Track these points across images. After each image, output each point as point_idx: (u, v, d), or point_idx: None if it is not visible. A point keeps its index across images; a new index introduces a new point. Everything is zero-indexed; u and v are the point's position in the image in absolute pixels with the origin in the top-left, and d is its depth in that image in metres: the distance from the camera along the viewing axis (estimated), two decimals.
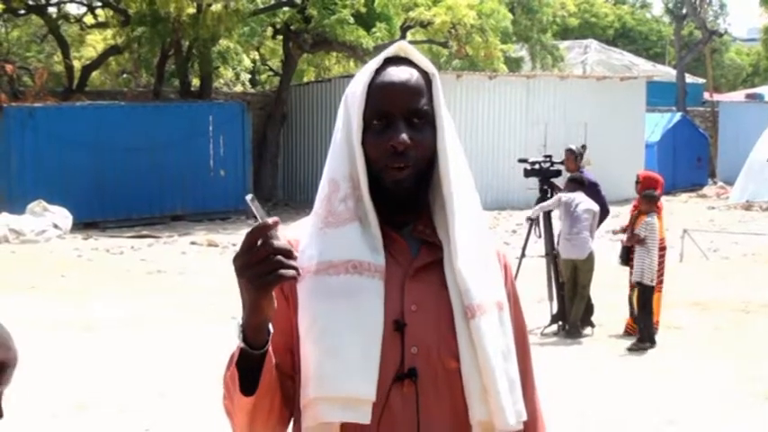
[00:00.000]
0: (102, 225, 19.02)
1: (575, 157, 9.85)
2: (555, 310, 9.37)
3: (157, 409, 6.70)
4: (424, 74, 1.78)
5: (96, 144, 19.15)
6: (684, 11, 38.46)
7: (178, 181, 20.18)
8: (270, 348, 1.64)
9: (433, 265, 1.75)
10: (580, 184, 9.38)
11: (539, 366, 6.75)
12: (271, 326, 1.63)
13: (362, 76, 1.76)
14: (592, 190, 9.47)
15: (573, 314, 9.20)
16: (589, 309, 9.37)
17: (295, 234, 1.78)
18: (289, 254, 1.55)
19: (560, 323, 9.30)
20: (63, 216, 17.57)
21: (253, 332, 1.61)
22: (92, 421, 6.45)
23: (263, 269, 1.53)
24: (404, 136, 1.70)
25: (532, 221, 9.70)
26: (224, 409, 1.74)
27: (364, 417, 1.66)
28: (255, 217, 1.57)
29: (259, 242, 1.54)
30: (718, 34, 40.62)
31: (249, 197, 1.61)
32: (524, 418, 1.79)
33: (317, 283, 1.69)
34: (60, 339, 8.87)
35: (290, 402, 1.74)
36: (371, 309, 1.68)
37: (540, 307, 9.92)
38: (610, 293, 9.70)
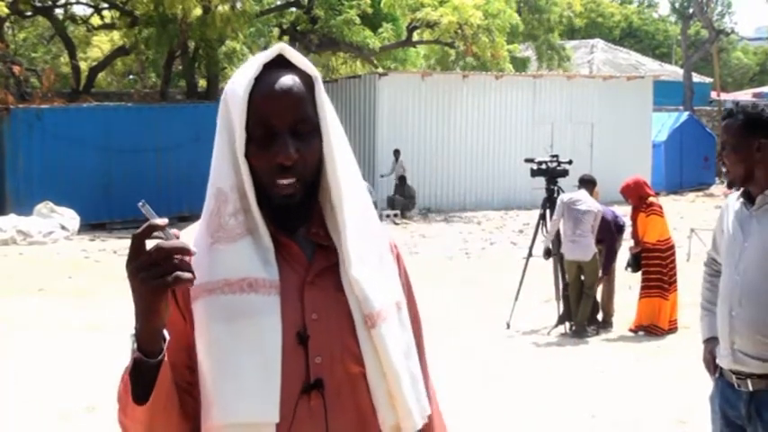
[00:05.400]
0: (109, 226, 19.06)
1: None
2: (561, 310, 9.35)
3: None
4: (306, 77, 1.70)
5: (103, 145, 19.20)
6: (691, 10, 38.40)
7: (185, 182, 20.20)
8: (166, 357, 1.56)
9: (329, 270, 1.72)
10: (587, 183, 9.36)
11: (547, 367, 6.74)
12: (166, 332, 1.56)
13: (241, 82, 1.67)
14: (605, 223, 9.29)
15: (580, 315, 9.19)
16: (595, 308, 9.37)
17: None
18: (185, 252, 1.49)
19: (569, 323, 9.29)
20: (70, 217, 17.62)
21: (148, 339, 1.54)
22: (101, 423, 6.45)
23: (159, 271, 1.47)
24: (291, 151, 1.64)
25: (542, 219, 9.69)
26: (120, 427, 1.66)
27: None
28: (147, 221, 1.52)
29: (150, 244, 1.49)
30: (724, 33, 40.56)
31: (141, 203, 1.56)
32: (428, 412, 1.79)
33: (212, 304, 1.63)
34: (68, 340, 8.88)
35: (189, 418, 1.67)
36: (269, 328, 1.63)
37: (546, 307, 9.92)
38: (616, 295, 9.68)
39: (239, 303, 1.63)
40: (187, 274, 1.48)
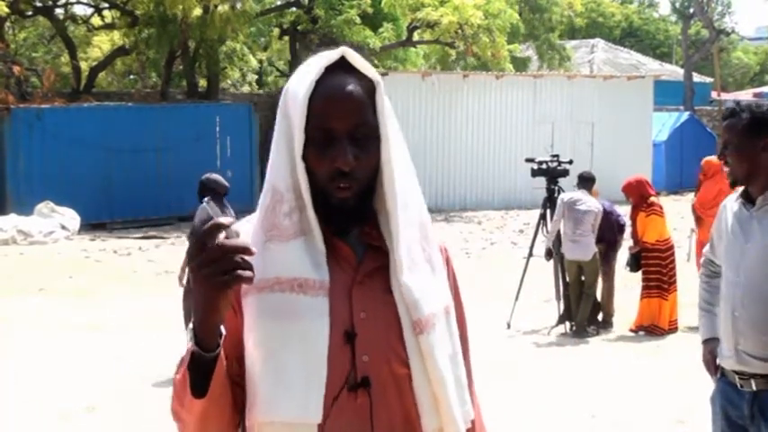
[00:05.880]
0: (109, 226, 19.07)
1: None
2: (562, 310, 9.35)
3: (164, 410, 6.69)
4: (368, 82, 1.71)
5: (104, 145, 19.20)
6: (692, 10, 38.39)
7: (185, 182, 20.18)
8: (222, 352, 1.61)
9: (378, 271, 1.73)
10: (587, 181, 9.35)
11: (547, 366, 6.73)
12: (223, 328, 1.60)
13: (302, 84, 1.68)
14: (607, 219, 9.32)
15: (580, 314, 9.19)
16: (595, 308, 9.37)
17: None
18: (246, 252, 1.52)
19: (568, 323, 9.29)
20: (70, 217, 17.63)
21: (206, 334, 1.58)
22: (101, 423, 6.46)
23: (221, 267, 1.51)
24: (350, 157, 1.65)
25: (542, 219, 9.70)
26: (173, 415, 1.71)
27: None
28: (213, 218, 1.56)
29: (214, 240, 1.52)
30: (725, 33, 40.54)
31: (206, 199, 1.61)
32: (472, 417, 1.80)
33: (262, 302, 1.66)
34: (68, 340, 8.89)
35: (238, 410, 1.72)
36: (316, 330, 1.65)
37: (547, 307, 9.91)
38: (617, 295, 9.68)
39: (288, 303, 1.66)
40: (247, 273, 1.51)
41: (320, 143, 1.66)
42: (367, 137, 1.69)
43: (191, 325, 1.60)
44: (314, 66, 1.69)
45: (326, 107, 1.66)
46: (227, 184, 8.21)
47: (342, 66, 1.70)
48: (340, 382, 1.65)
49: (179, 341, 7.96)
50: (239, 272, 1.50)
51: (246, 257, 1.52)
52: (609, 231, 9.31)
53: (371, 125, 1.69)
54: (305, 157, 1.67)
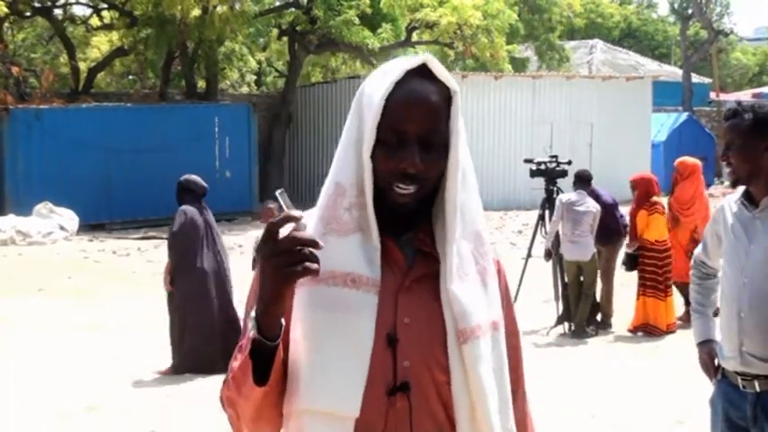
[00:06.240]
0: (108, 226, 19.07)
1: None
2: (561, 310, 9.36)
3: (163, 410, 6.71)
4: (445, 90, 1.73)
5: (102, 146, 19.20)
6: (690, 11, 38.39)
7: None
8: (281, 341, 1.65)
9: (427, 277, 1.75)
10: (584, 181, 9.35)
11: (546, 367, 6.72)
12: (283, 319, 1.64)
13: (382, 84, 1.69)
14: (609, 212, 9.38)
15: (579, 315, 9.20)
16: (594, 308, 9.38)
17: None
18: (314, 245, 1.56)
19: (567, 324, 9.29)
20: (69, 218, 17.63)
21: (269, 323, 1.62)
22: (101, 423, 6.46)
23: (290, 259, 1.55)
24: (417, 160, 1.67)
25: (541, 219, 9.70)
26: (224, 402, 1.74)
27: None
28: (283, 210, 1.60)
29: (284, 231, 1.56)
30: (724, 34, 40.55)
31: (279, 191, 1.64)
32: None
33: (315, 293, 1.69)
34: (68, 340, 8.89)
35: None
36: (363, 325, 1.68)
37: (546, 307, 9.92)
38: (615, 295, 9.68)
39: (340, 296, 1.68)
40: (315, 266, 1.57)
41: (390, 144, 1.69)
42: (437, 144, 1.71)
43: (252, 313, 1.64)
44: (394, 69, 1.71)
45: (402, 109, 1.68)
46: (205, 185, 8.21)
47: (421, 72, 1.71)
48: (380, 383, 1.67)
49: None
50: (307, 264, 1.56)
51: (314, 251, 1.56)
52: (611, 219, 9.34)
53: (443, 133, 1.71)
54: (372, 157, 1.69)
